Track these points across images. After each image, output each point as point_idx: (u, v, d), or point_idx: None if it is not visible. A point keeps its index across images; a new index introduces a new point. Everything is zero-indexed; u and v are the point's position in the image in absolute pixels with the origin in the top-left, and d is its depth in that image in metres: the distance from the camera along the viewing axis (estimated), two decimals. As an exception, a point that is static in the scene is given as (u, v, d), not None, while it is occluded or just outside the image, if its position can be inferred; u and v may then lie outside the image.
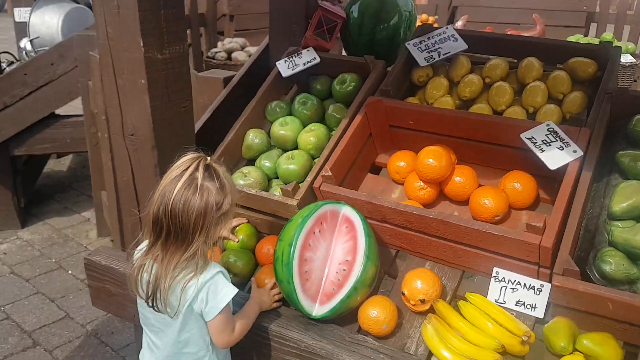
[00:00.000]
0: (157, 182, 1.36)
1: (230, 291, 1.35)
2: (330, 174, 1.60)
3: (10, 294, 2.86)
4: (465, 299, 1.49)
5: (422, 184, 1.66)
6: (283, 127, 1.90)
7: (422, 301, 1.46)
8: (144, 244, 1.41)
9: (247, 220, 1.75)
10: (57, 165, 4.59)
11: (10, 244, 3.38)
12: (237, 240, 1.70)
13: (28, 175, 3.89)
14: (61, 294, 2.87)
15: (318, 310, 1.46)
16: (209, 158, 1.36)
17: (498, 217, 1.56)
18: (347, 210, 1.54)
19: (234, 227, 1.74)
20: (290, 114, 1.97)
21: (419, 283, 1.47)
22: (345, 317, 1.51)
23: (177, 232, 1.31)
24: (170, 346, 1.40)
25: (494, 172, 1.70)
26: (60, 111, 3.62)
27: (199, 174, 1.31)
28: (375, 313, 1.44)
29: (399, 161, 1.77)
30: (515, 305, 1.46)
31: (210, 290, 1.33)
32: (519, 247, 1.38)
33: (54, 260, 3.22)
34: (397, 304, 1.52)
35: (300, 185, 1.66)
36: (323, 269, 1.50)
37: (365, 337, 1.45)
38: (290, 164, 1.77)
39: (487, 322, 1.40)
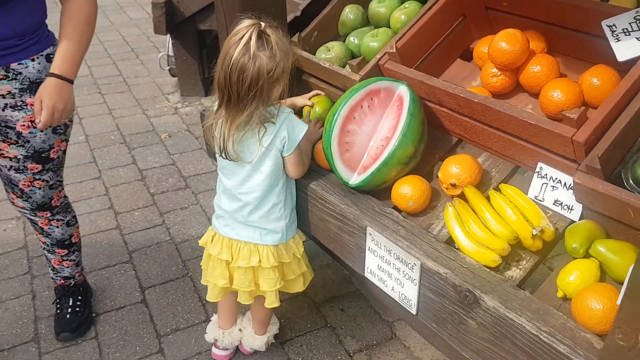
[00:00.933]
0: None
1: (303, 127, 1.57)
2: (394, 51, 1.60)
3: (181, 147, 3.43)
4: (499, 190, 1.44)
5: (495, 70, 1.57)
6: (381, 4, 1.89)
7: (453, 185, 1.45)
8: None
9: (324, 94, 1.85)
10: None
11: (192, 108, 3.96)
12: (311, 105, 1.83)
13: (213, 50, 4.41)
14: (218, 153, 3.35)
15: (355, 179, 1.55)
16: (262, 24, 1.46)
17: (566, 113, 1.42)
18: (402, 90, 1.55)
19: (311, 97, 1.86)
20: (393, -9, 1.94)
21: (453, 168, 1.46)
22: (385, 192, 1.58)
23: (235, 97, 1.48)
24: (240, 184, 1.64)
25: (582, 65, 1.52)
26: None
27: (252, 42, 1.42)
28: (405, 190, 1.49)
29: (484, 46, 1.67)
30: (553, 204, 1.37)
31: (289, 127, 1.55)
32: (554, 140, 1.27)
33: (221, 124, 3.72)
34: (438, 187, 1.54)
35: (367, 60, 1.69)
36: (368, 142, 1.57)
37: (393, 211, 1.52)
38: (373, 41, 1.79)
39: (510, 212, 1.35)
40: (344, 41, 1.94)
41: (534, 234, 1.27)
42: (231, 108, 1.50)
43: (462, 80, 1.72)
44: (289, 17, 2.04)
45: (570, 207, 1.33)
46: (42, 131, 1.70)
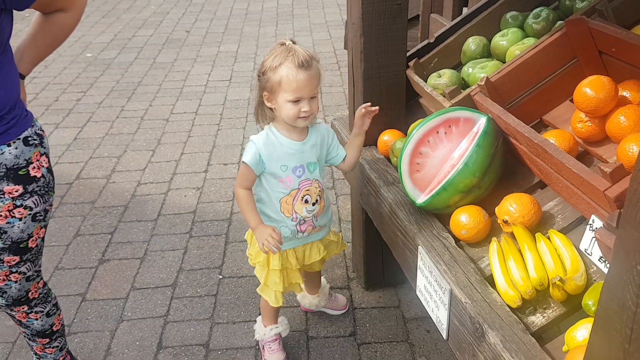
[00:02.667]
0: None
1: (246, 155, 1.74)
2: (483, 83, 1.64)
3: (344, 152, 3.75)
4: (547, 235, 1.40)
5: (583, 116, 1.51)
6: (503, 37, 1.92)
7: (505, 222, 1.46)
8: None
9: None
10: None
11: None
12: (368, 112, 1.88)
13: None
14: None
15: (421, 199, 1.64)
16: (288, 41, 1.72)
17: (639, 168, 1.33)
18: (482, 122, 1.59)
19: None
20: (522, 26, 1.95)
21: (509, 205, 1.46)
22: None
23: None
24: None
25: (682, 120, 1.38)
26: None
27: (284, 41, 1.70)
28: (460, 217, 1.54)
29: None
30: (598, 260, 1.30)
31: (246, 145, 1.81)
32: (595, 193, 1.22)
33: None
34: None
35: (462, 91, 1.75)
36: (440, 166, 1.64)
37: (449, 236, 1.57)
38: (481, 72, 1.84)
39: (547, 259, 1.33)
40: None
41: (553, 282, 1.24)
42: None
43: (562, 122, 1.67)
44: (422, 43, 2.17)
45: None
46: (20, 219, 1.58)
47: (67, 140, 3.96)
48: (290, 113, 1.68)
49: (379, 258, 2.39)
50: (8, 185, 1.52)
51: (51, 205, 1.68)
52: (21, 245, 1.62)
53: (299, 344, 2.19)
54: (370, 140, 2.07)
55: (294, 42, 1.70)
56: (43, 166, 1.60)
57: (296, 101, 1.66)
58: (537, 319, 1.31)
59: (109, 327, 2.33)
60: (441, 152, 1.64)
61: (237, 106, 4.49)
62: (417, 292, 1.63)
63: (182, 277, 2.59)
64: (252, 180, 1.78)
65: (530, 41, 1.82)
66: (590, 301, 1.18)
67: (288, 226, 1.84)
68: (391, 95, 2.04)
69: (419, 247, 1.56)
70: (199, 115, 4.34)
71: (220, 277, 2.58)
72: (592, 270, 1.32)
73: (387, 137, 1.99)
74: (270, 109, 1.74)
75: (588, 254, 1.33)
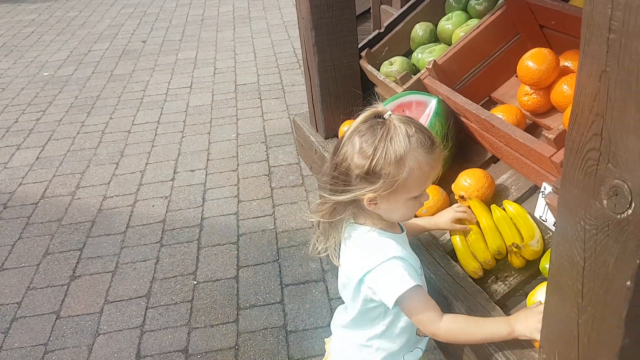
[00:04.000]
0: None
1: (403, 279, 1.15)
2: (431, 67, 1.68)
3: (310, 149, 3.77)
4: (502, 206, 1.45)
5: (528, 89, 1.56)
6: (448, 21, 1.97)
7: (462, 197, 1.50)
8: None
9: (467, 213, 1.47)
10: None
11: (332, 114, 4.28)
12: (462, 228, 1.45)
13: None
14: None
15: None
16: (390, 112, 1.14)
17: (583, 134, 1.38)
18: (434, 104, 1.63)
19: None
20: (465, 9, 2.00)
21: (464, 180, 1.51)
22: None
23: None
24: None
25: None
26: None
27: (359, 120, 1.16)
28: (420, 198, 1.57)
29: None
30: (553, 225, 1.35)
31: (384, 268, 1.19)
32: (544, 160, 1.27)
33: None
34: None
35: (413, 76, 1.79)
36: (398, 151, 1.68)
37: (411, 217, 1.61)
38: (428, 56, 1.88)
39: (505, 227, 1.37)
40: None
41: (510, 249, 1.29)
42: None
43: (510, 97, 1.72)
44: (373, 34, 2.20)
45: (565, 230, 1.30)
46: None
47: (30, 160, 3.89)
48: (412, 212, 1.21)
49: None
50: None
51: None
52: None
53: (278, 340, 2.21)
54: (332, 131, 2.10)
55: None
56: None
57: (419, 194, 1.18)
58: (500, 287, 1.35)
59: (86, 342, 2.31)
60: (397, 136, 1.67)
61: (200, 112, 4.48)
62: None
63: (156, 287, 2.57)
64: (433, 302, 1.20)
65: (474, 22, 1.88)
66: (547, 264, 1.22)
67: (422, 347, 1.35)
68: (347, 86, 2.07)
69: (384, 230, 1.59)
70: (162, 124, 4.31)
71: (195, 282, 2.57)
72: (548, 236, 1.37)
73: (347, 127, 2.01)
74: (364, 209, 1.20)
75: (543, 220, 1.38)
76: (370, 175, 1.12)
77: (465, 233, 1.43)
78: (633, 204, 0.76)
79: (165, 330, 2.32)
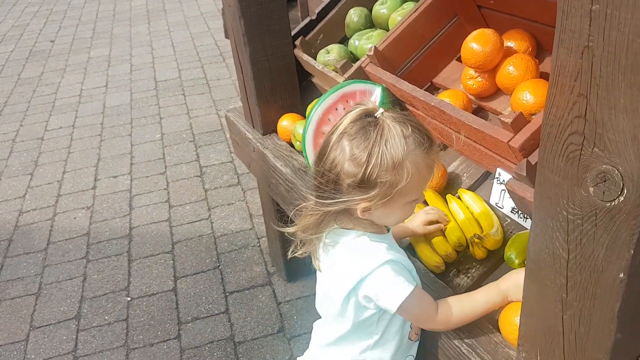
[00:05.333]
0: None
1: (401, 284, 1.06)
2: (372, 53, 1.60)
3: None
4: (457, 195, 1.40)
5: (473, 72, 1.51)
6: (383, 5, 1.89)
7: (416, 189, 1.43)
8: None
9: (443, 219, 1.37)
10: None
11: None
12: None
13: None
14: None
15: (330, 180, 1.58)
16: (381, 110, 1.02)
17: (534, 116, 1.34)
18: (378, 93, 1.55)
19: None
20: (400, -9, 1.93)
21: (417, 171, 1.43)
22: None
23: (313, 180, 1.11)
24: None
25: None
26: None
27: (345, 122, 1.02)
28: (371, 192, 1.48)
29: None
30: (511, 212, 1.31)
31: (375, 284, 1.08)
32: (500, 146, 1.22)
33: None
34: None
35: (352, 64, 1.70)
36: (344, 144, 1.58)
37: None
38: (366, 43, 1.80)
39: (461, 218, 1.32)
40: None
41: (472, 241, 1.23)
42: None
43: (453, 82, 1.67)
44: (305, 21, 2.09)
45: (525, 215, 1.26)
46: None
47: None
48: (407, 215, 1.12)
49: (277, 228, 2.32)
50: None
51: None
52: None
53: (226, 353, 2.07)
54: (270, 127, 1.97)
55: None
56: None
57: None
58: (463, 281, 1.29)
59: (10, 377, 2.08)
60: (342, 128, 1.58)
61: (119, 112, 4.20)
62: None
63: (86, 307, 2.36)
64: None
65: (409, 5, 1.81)
66: (512, 254, 1.17)
67: (413, 354, 1.24)
68: (283, 78, 1.95)
69: (335, 229, 1.49)
70: (77, 128, 4.01)
71: (129, 299, 2.38)
72: (506, 222, 1.32)
73: (286, 122, 1.90)
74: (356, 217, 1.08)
75: (499, 207, 1.33)
76: (364, 184, 0.99)
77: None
78: (625, 191, 0.70)
79: (101, 354, 2.12)
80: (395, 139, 0.98)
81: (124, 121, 4.06)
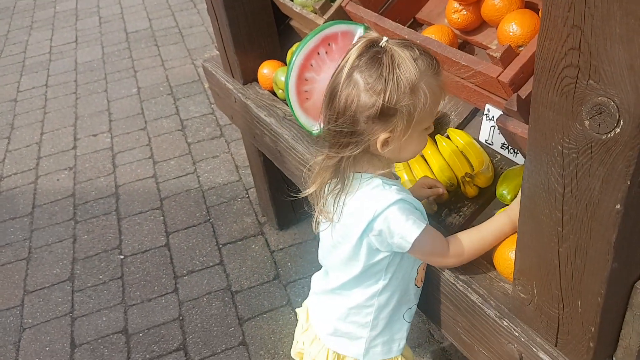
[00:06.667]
0: None
1: (412, 223, 1.06)
2: (352, -9, 1.54)
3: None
4: (447, 134, 1.39)
5: (457, 5, 1.47)
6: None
7: (404, 131, 1.42)
8: None
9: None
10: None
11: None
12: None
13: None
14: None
15: (317, 128, 1.56)
16: (385, 39, 1.00)
17: (521, 49, 1.32)
18: (360, 33, 1.50)
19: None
20: None
21: (404, 112, 1.42)
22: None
23: (326, 130, 1.08)
24: None
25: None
26: None
27: (352, 56, 0.99)
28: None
29: (455, -22, 1.56)
30: (501, 148, 1.30)
31: (386, 224, 1.07)
32: (489, 81, 1.20)
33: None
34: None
35: (332, 4, 1.64)
36: (328, 89, 1.55)
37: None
38: (346, -18, 1.73)
39: (451, 157, 1.31)
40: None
41: (463, 180, 1.23)
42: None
43: (436, 16, 1.63)
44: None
45: (515, 151, 1.26)
46: None
47: None
48: (423, 145, 1.09)
49: (286, 196, 2.31)
50: None
51: None
52: None
53: (224, 303, 2.10)
54: (250, 76, 1.92)
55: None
56: None
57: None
58: (455, 219, 1.30)
59: (11, 339, 2.09)
60: (327, 74, 1.54)
61: (92, 68, 4.07)
62: (333, 222, 1.57)
63: (79, 268, 2.36)
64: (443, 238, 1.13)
65: (389, -62, 1.73)
66: (504, 190, 1.17)
67: (417, 302, 1.25)
68: (260, 23, 1.88)
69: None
70: (51, 87, 3.89)
71: (122, 257, 2.38)
72: (496, 159, 1.32)
73: (266, 69, 1.85)
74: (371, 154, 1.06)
75: (489, 144, 1.33)
76: (384, 114, 0.97)
77: (412, 170, 1.35)
78: (621, 122, 0.69)
79: (99, 313, 2.14)
80: (406, 63, 0.96)
81: (98, 77, 3.94)
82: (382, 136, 1.00)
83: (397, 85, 0.96)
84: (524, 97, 1.09)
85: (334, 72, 1.03)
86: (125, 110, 3.49)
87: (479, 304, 1.09)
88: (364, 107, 0.98)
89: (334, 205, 1.10)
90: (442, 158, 1.35)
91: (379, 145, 1.02)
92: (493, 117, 1.29)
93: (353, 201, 1.08)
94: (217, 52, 2.14)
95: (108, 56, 4.24)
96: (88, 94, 3.74)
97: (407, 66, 0.96)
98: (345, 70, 0.99)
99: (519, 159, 1.26)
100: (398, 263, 1.13)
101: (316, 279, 1.31)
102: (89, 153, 3.11)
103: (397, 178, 1.18)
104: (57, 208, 2.72)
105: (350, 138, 1.01)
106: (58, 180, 2.93)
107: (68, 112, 3.55)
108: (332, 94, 1.02)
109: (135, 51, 4.27)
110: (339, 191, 1.08)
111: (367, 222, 1.05)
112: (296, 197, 1.18)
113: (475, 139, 1.35)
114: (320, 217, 1.16)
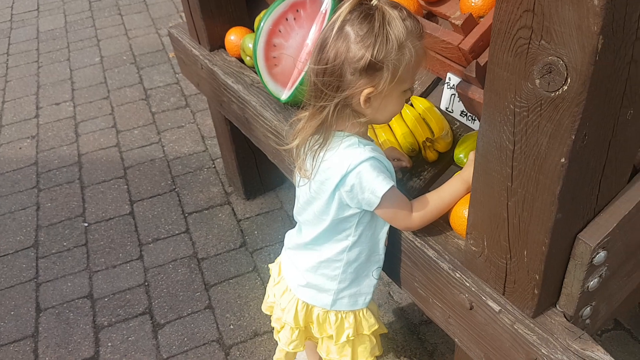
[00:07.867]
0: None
1: (381, 185, 1.12)
2: (320, -40, 1.56)
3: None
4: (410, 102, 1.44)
5: (423, -23, 1.51)
6: None
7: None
8: None
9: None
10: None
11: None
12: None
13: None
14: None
15: (285, 94, 1.59)
16: None
17: (482, 19, 1.37)
18: (329, 1, 1.53)
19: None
20: None
21: (369, 80, 1.46)
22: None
23: (312, 85, 1.10)
24: None
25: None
26: None
27: (344, 11, 1.03)
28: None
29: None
30: (460, 115, 1.36)
31: (357, 181, 1.13)
32: (450, 49, 1.25)
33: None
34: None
35: (300, -28, 1.66)
36: (297, 55, 1.58)
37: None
38: (314, -49, 1.75)
39: (413, 125, 1.37)
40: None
41: (424, 145, 1.29)
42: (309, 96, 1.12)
43: (403, -12, 1.67)
44: None
45: (473, 118, 1.32)
46: None
47: None
48: (400, 108, 1.14)
49: (253, 165, 2.34)
50: None
51: None
52: None
53: (190, 269, 2.13)
54: (217, 42, 1.93)
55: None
56: None
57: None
58: (416, 183, 1.36)
59: (-28, 306, 2.07)
60: (295, 40, 1.57)
61: (54, 37, 3.97)
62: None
63: (43, 235, 2.34)
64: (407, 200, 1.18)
65: None
66: (461, 154, 1.24)
67: (381, 265, 1.31)
68: (226, -10, 1.88)
69: (292, 141, 1.52)
70: (12, 55, 3.78)
71: (86, 224, 2.37)
72: (455, 126, 1.38)
73: (233, 36, 1.86)
74: (355, 111, 1.11)
75: (449, 111, 1.39)
76: (371, 67, 1.01)
77: (377, 136, 1.40)
78: (569, 80, 0.75)
79: (64, 279, 2.14)
80: (396, 21, 1.01)
81: (60, 45, 3.85)
82: (366, 91, 1.04)
83: (387, 40, 1.00)
84: (482, 64, 1.14)
85: (325, 26, 1.07)
86: (88, 79, 3.43)
87: (434, 258, 1.15)
88: (352, 59, 1.02)
89: (312, 163, 1.15)
90: (405, 125, 1.40)
91: (361, 100, 1.06)
92: (454, 85, 1.35)
93: (329, 157, 1.13)
94: (182, 22, 2.13)
95: (70, 25, 4.14)
96: (50, 62, 3.66)
97: (397, 24, 1.01)
98: (337, 24, 1.03)
99: (477, 125, 1.32)
100: (367, 222, 1.19)
101: (289, 235, 1.36)
102: (52, 122, 3.06)
103: (372, 140, 1.23)
104: (19, 176, 2.68)
105: (335, 92, 1.05)
106: (20, 148, 2.87)
107: (30, 80, 3.47)
108: (321, 45, 1.06)
109: (99, 20, 4.17)
110: (318, 147, 1.13)
111: (340, 176, 1.10)
112: (284, 148, 1.22)
113: (436, 107, 1.41)
114: (299, 172, 1.21)
